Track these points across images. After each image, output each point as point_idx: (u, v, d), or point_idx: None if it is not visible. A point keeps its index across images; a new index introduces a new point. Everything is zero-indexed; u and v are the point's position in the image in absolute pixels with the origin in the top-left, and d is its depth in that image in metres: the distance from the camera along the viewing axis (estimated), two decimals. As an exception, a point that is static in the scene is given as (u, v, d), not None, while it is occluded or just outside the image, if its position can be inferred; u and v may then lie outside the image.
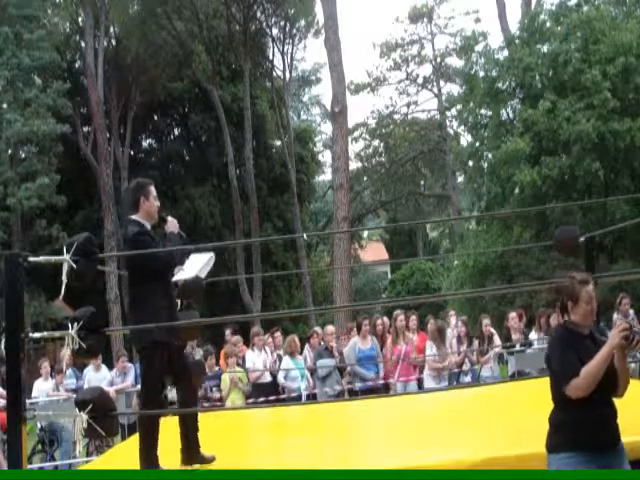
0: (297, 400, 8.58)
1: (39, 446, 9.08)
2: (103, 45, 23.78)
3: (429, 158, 32.09)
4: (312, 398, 8.81)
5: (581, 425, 3.18)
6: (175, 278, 4.59)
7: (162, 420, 6.75)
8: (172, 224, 4.54)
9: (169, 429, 6.29)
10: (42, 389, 9.19)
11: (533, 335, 9.53)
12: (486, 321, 9.34)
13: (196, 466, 4.40)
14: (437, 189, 34.46)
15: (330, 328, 9.77)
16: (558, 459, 3.21)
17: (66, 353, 3.94)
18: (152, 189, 4.53)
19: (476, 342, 9.28)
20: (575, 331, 3.32)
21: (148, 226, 4.46)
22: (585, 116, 14.49)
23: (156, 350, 4.28)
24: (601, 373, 3.13)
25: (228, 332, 9.95)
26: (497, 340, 9.32)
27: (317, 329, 10.36)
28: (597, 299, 3.33)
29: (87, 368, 9.38)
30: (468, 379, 9.05)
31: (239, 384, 8.48)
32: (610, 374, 3.16)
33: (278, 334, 9.73)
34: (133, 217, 4.44)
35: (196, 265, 4.76)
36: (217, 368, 8.78)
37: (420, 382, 8.97)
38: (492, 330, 9.27)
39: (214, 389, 8.52)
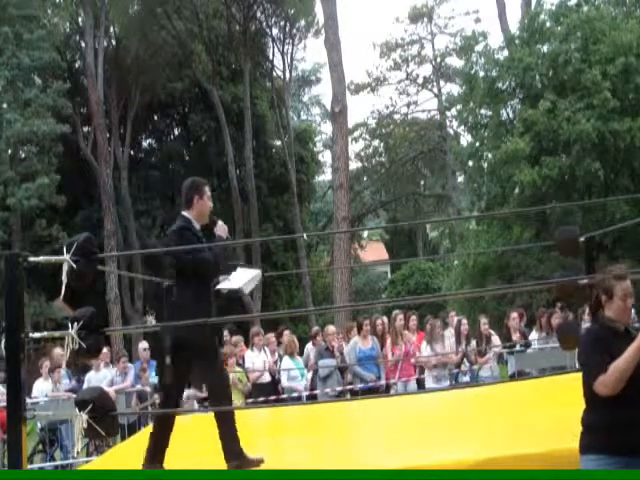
0: (297, 400, 8.58)
1: (39, 446, 9.08)
2: (103, 45, 23.78)
3: (429, 158, 32.09)
4: (312, 398, 8.81)
5: (611, 426, 3.05)
6: (220, 286, 4.57)
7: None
8: (221, 228, 4.52)
9: (174, 429, 6.30)
10: (42, 389, 9.19)
11: (533, 335, 9.54)
12: (484, 320, 9.35)
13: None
14: (437, 189, 34.45)
15: (331, 328, 9.78)
16: (587, 460, 3.11)
17: (63, 353, 3.94)
18: (207, 189, 4.53)
19: (474, 342, 9.29)
20: (609, 327, 3.21)
21: (197, 225, 4.45)
22: (585, 116, 14.50)
23: (193, 347, 4.24)
24: (629, 370, 3.01)
25: (226, 332, 9.94)
26: (496, 340, 9.33)
27: (317, 328, 10.36)
28: (632, 295, 3.23)
29: (93, 367, 9.35)
30: (467, 379, 9.05)
31: (238, 385, 8.48)
32: None
33: (287, 332, 9.66)
34: (184, 213, 4.45)
35: (243, 278, 4.76)
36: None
37: (420, 382, 8.97)
38: (490, 330, 9.28)
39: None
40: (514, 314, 9.70)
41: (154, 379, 8.67)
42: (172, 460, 4.51)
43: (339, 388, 8.83)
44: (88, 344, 3.86)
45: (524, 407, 5.34)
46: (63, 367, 9.72)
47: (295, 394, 8.74)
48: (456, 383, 8.95)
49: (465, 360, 9.17)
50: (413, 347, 9.16)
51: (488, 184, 16.81)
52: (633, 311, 9.51)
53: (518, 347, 9.22)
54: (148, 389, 8.85)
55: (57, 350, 9.13)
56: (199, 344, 4.25)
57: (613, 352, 3.06)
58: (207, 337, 4.24)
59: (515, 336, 9.37)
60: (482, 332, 9.20)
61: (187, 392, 7.96)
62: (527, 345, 9.29)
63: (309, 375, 9.19)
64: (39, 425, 9.00)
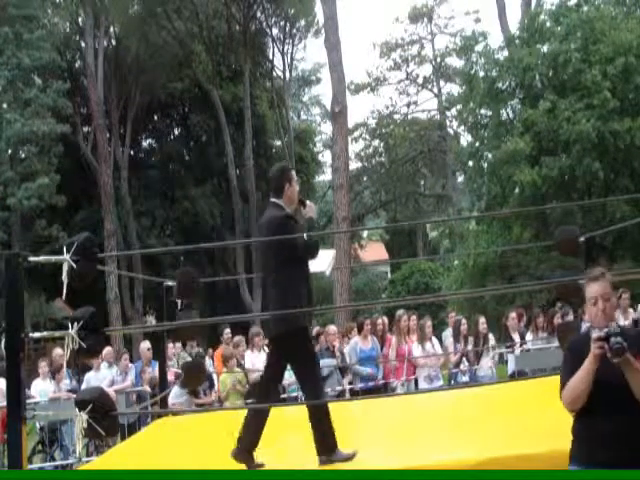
0: (296, 400, 8.57)
1: (39, 446, 9.08)
2: (103, 45, 23.79)
3: (429, 158, 32.08)
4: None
5: (581, 439, 3.03)
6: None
7: (168, 420, 6.77)
8: (311, 209, 4.50)
9: (172, 429, 6.30)
10: (41, 389, 9.17)
11: (529, 336, 9.54)
12: (482, 320, 9.35)
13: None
14: (437, 189, 34.44)
15: (332, 328, 9.77)
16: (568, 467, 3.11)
17: (64, 353, 3.93)
18: (294, 174, 4.58)
19: (471, 341, 9.29)
20: (589, 334, 3.03)
21: (290, 212, 4.47)
22: (585, 116, 14.50)
23: (298, 335, 4.25)
24: (581, 388, 2.91)
25: (227, 331, 9.93)
26: (491, 340, 9.33)
27: (318, 328, 10.36)
28: (606, 298, 3.04)
29: (100, 366, 9.33)
30: (466, 379, 9.05)
31: (238, 386, 8.47)
32: (615, 386, 2.86)
33: None
34: (276, 201, 4.47)
35: (325, 260, 4.77)
36: (211, 369, 8.78)
37: (415, 382, 8.97)
38: (485, 330, 9.28)
39: (206, 391, 8.52)
40: (512, 314, 9.70)
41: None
42: (172, 460, 4.51)
43: (339, 388, 8.83)
44: (88, 344, 3.86)
45: (524, 407, 5.34)
46: (64, 367, 9.73)
47: (294, 394, 8.73)
48: (455, 383, 8.95)
49: (464, 360, 9.17)
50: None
51: (488, 184, 16.80)
52: (633, 312, 9.39)
53: (518, 347, 9.23)
54: (148, 389, 8.85)
55: (57, 350, 9.12)
56: (281, 330, 4.27)
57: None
58: (292, 324, 4.24)
59: (514, 336, 9.37)
60: (479, 331, 9.21)
61: (181, 395, 7.96)
62: (521, 345, 9.29)
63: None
64: (38, 425, 8.98)
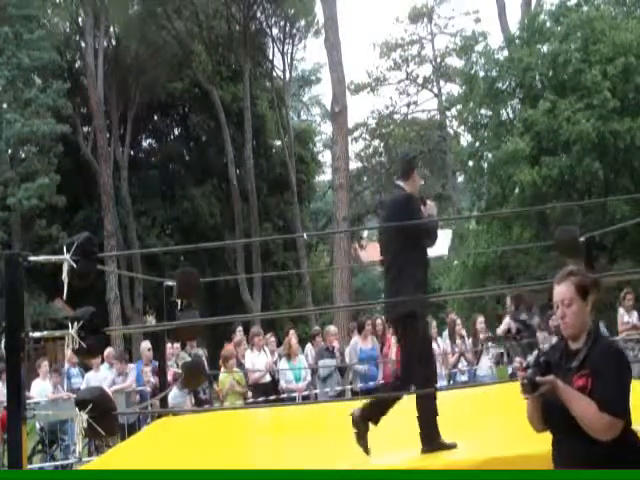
0: (295, 401, 8.58)
1: (39, 446, 9.08)
2: (103, 45, 23.77)
3: (429, 158, 32.07)
4: (313, 398, 8.81)
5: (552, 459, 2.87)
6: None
7: (168, 420, 6.76)
8: (432, 207, 4.54)
9: (172, 429, 6.30)
10: (41, 388, 9.18)
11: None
12: (480, 320, 9.35)
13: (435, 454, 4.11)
14: (437, 189, 34.44)
15: (332, 328, 9.78)
16: None
17: (69, 352, 3.93)
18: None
19: (469, 341, 9.30)
20: (565, 346, 2.77)
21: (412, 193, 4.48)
22: (585, 116, 14.50)
23: (416, 320, 4.20)
24: (530, 411, 2.75)
25: (240, 329, 9.90)
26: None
27: (317, 329, 10.37)
28: (567, 303, 2.71)
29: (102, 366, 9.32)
30: (465, 378, 9.05)
31: (236, 387, 8.46)
32: (561, 408, 2.59)
33: (292, 331, 9.64)
34: (401, 184, 4.47)
35: (444, 243, 4.77)
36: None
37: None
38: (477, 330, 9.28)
39: (207, 391, 8.53)
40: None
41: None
42: (172, 460, 4.52)
43: (339, 388, 8.84)
44: (88, 344, 3.87)
45: (524, 407, 5.33)
46: (67, 365, 9.74)
47: (294, 394, 8.74)
48: (454, 383, 8.95)
49: (463, 359, 9.17)
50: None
51: (488, 184, 16.80)
52: (636, 313, 9.36)
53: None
54: (148, 389, 8.85)
55: (68, 351, 9.10)
56: (399, 314, 4.24)
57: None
58: (408, 308, 4.21)
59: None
60: (477, 331, 9.21)
61: (179, 394, 7.96)
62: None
63: (309, 376, 9.17)
64: (38, 425, 8.99)
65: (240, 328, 9.92)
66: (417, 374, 4.29)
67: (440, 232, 4.72)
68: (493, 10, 33.63)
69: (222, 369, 8.61)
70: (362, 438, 4.14)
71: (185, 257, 23.69)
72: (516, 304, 9.20)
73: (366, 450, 4.11)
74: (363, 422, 4.17)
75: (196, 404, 8.41)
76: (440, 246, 4.77)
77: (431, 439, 4.15)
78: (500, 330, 8.95)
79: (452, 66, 29.83)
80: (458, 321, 9.66)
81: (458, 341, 9.43)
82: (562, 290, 2.75)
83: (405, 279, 4.20)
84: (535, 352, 2.69)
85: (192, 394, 8.19)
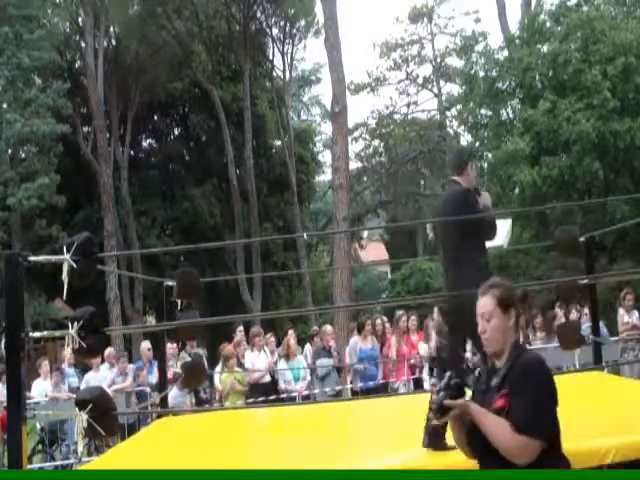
0: (294, 400, 8.58)
1: (39, 446, 9.08)
2: (103, 45, 23.77)
3: (429, 158, 32.07)
4: (311, 398, 8.81)
5: None
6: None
7: (168, 420, 6.76)
8: (486, 197, 4.56)
9: (172, 429, 6.30)
10: (41, 388, 9.18)
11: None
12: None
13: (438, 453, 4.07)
14: (437, 189, 34.44)
15: (328, 328, 9.77)
16: None
17: (67, 352, 3.93)
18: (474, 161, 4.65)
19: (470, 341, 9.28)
20: (492, 364, 2.65)
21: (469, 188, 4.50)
22: (585, 116, 14.51)
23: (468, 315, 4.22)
24: (456, 435, 2.62)
25: (240, 329, 9.89)
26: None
27: (315, 329, 10.37)
28: (487, 317, 2.58)
29: (102, 366, 9.34)
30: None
31: (237, 386, 8.46)
32: (475, 435, 2.50)
33: (291, 331, 9.64)
34: (456, 178, 4.49)
35: (502, 233, 4.78)
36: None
37: (419, 382, 8.97)
38: None
39: (207, 390, 8.53)
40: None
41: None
42: (172, 460, 4.51)
43: (338, 387, 8.84)
44: (88, 344, 3.87)
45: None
46: (65, 366, 9.74)
47: (294, 394, 8.74)
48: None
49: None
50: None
51: (488, 184, 16.81)
52: (637, 313, 9.31)
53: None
54: (148, 389, 8.85)
55: (66, 350, 9.10)
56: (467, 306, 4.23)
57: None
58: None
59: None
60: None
61: (179, 394, 7.96)
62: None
63: (308, 376, 9.18)
64: (38, 425, 8.99)
65: (241, 328, 9.91)
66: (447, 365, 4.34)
67: (498, 222, 4.74)
68: (493, 10, 33.65)
69: (223, 369, 8.61)
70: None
71: (185, 257, 23.69)
72: (443, 315, 9.12)
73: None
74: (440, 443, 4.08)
75: (197, 403, 8.41)
76: (498, 237, 4.76)
77: (436, 439, 4.12)
78: (431, 347, 8.62)
79: (452, 66, 29.83)
80: None
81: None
82: (483, 303, 2.63)
83: (467, 271, 4.20)
84: (447, 374, 2.56)
85: (192, 393, 8.19)
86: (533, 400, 2.39)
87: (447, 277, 4.47)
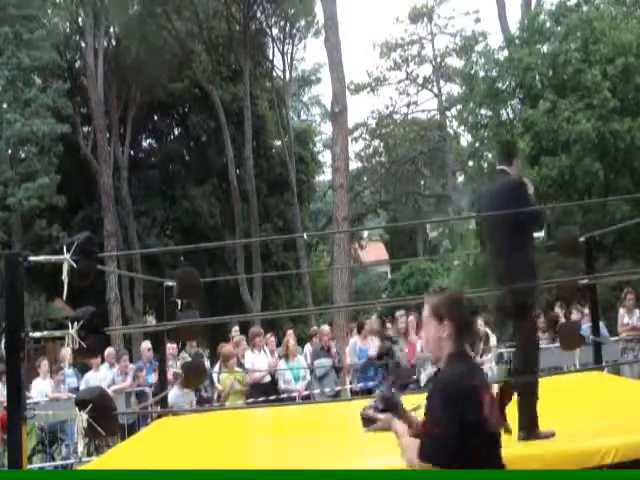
0: (294, 400, 8.58)
1: (39, 446, 9.08)
2: (103, 45, 23.78)
3: (429, 158, 32.10)
4: (311, 398, 8.81)
5: None
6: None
7: (168, 420, 6.76)
8: (530, 186, 4.53)
9: (172, 429, 6.30)
10: (41, 388, 9.17)
11: None
12: (479, 321, 9.35)
13: (534, 443, 4.03)
14: (437, 189, 34.46)
15: (326, 328, 9.77)
16: None
17: (67, 352, 3.93)
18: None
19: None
20: None
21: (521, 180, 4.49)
22: (585, 116, 14.50)
23: (529, 309, 4.21)
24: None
25: (236, 329, 9.90)
26: (493, 340, 9.34)
27: (314, 329, 10.37)
28: (423, 325, 2.59)
29: (102, 366, 9.33)
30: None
31: (238, 386, 8.46)
32: None
33: (290, 332, 9.64)
34: (506, 168, 4.46)
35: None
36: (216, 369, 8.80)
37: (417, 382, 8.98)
38: (488, 330, 9.28)
39: (208, 389, 8.53)
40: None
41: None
42: (172, 460, 4.51)
43: (338, 388, 8.83)
44: (88, 344, 3.87)
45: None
46: (66, 366, 9.73)
47: (294, 394, 8.74)
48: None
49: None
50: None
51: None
52: (638, 311, 9.25)
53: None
54: (147, 389, 8.84)
55: (64, 350, 9.10)
56: (521, 299, 4.20)
57: None
58: (528, 294, 4.20)
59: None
60: (478, 332, 9.20)
61: (180, 393, 7.95)
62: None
63: (308, 375, 9.18)
64: (37, 425, 8.97)
65: (236, 328, 9.91)
66: (520, 362, 4.31)
67: None
68: (493, 10, 33.66)
69: (223, 369, 8.61)
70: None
71: (185, 257, 23.69)
72: (381, 321, 9.13)
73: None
74: (535, 435, 4.07)
75: (198, 402, 8.42)
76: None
77: (530, 426, 4.11)
78: (372, 352, 8.65)
79: (452, 66, 29.85)
80: None
81: None
82: (424, 311, 2.60)
83: (518, 264, 4.19)
84: (386, 383, 2.63)
85: (194, 392, 8.18)
86: (432, 428, 2.36)
87: (496, 269, 4.37)
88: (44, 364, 9.31)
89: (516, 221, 4.22)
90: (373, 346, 8.69)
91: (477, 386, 2.41)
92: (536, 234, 4.65)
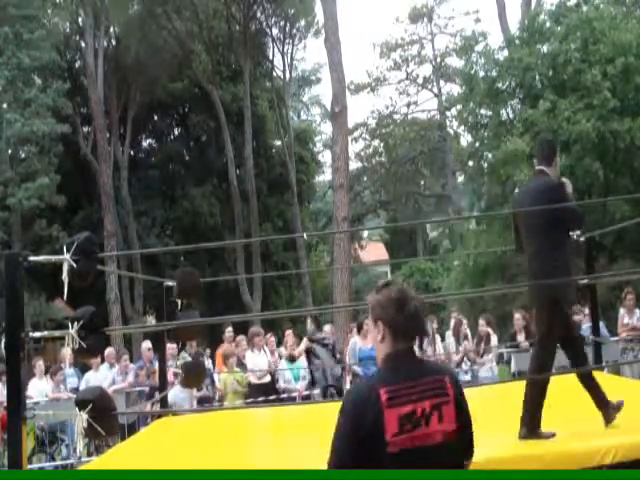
0: (294, 400, 8.58)
1: (40, 446, 9.07)
2: (103, 45, 23.79)
3: (429, 158, 32.09)
4: (311, 398, 8.80)
5: None
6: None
7: (168, 420, 6.76)
8: (569, 185, 4.55)
9: (172, 429, 6.30)
10: (38, 389, 9.15)
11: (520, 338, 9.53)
12: (482, 322, 9.36)
13: (531, 442, 4.06)
14: (437, 189, 34.46)
15: (327, 328, 9.77)
16: None
17: (67, 352, 3.93)
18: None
19: (472, 342, 9.30)
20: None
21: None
22: (585, 116, 14.50)
23: (557, 306, 4.20)
24: None
25: (229, 329, 9.90)
26: (495, 340, 9.34)
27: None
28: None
29: (102, 366, 9.33)
30: (467, 378, 9.07)
31: (237, 387, 8.45)
32: None
33: (289, 332, 9.64)
34: (545, 169, 4.46)
35: None
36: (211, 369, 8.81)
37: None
38: (489, 330, 9.28)
39: (209, 387, 8.54)
40: (517, 315, 9.67)
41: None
42: (172, 460, 4.51)
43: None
44: (88, 344, 3.87)
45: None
46: (67, 366, 9.73)
47: (294, 394, 8.74)
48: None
49: (465, 359, 9.19)
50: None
51: (488, 184, 16.80)
52: (638, 311, 9.26)
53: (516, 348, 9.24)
54: (147, 389, 8.84)
55: (65, 350, 9.10)
56: (554, 300, 4.20)
57: None
58: (557, 292, 4.20)
59: (520, 337, 9.37)
60: (479, 333, 9.22)
61: (181, 391, 7.96)
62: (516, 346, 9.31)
63: (308, 375, 9.17)
64: (37, 425, 8.97)
65: (230, 328, 9.90)
66: (535, 362, 4.31)
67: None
68: (493, 10, 33.71)
69: (223, 368, 8.61)
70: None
71: (185, 257, 23.70)
72: (316, 323, 9.11)
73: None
74: (535, 434, 4.10)
75: (199, 400, 8.43)
76: None
77: (533, 425, 4.12)
78: (297, 351, 8.67)
79: (452, 66, 29.85)
80: (465, 321, 9.67)
81: (465, 342, 9.45)
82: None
83: (553, 264, 4.21)
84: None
85: (195, 390, 8.19)
86: (334, 434, 2.25)
87: (534, 268, 4.36)
88: (39, 365, 9.29)
89: (557, 220, 4.25)
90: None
91: (376, 389, 2.19)
92: (573, 233, 4.67)
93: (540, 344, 4.31)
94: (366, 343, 9.04)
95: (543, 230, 4.28)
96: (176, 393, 7.75)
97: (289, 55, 27.55)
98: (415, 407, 2.19)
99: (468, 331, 9.78)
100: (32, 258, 4.06)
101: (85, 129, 24.76)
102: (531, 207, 4.34)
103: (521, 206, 4.49)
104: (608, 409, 4.24)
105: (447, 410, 2.25)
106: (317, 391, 8.84)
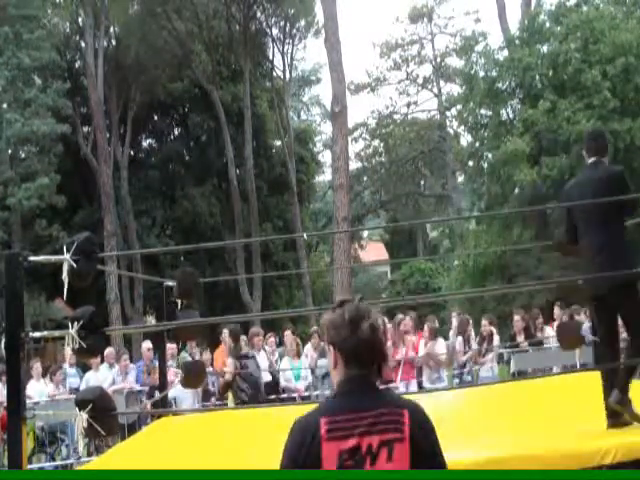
0: (294, 400, 8.58)
1: (39, 446, 9.07)
2: (103, 45, 23.77)
3: (429, 158, 32.10)
4: (312, 398, 8.81)
5: None
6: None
7: (168, 420, 6.75)
8: None
9: (172, 429, 6.30)
10: (36, 391, 9.14)
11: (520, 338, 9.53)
12: (484, 322, 9.37)
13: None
14: (437, 189, 34.46)
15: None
16: None
17: (68, 352, 3.93)
18: None
19: (475, 342, 9.31)
20: None
21: None
22: (585, 116, 14.51)
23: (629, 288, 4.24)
24: None
25: (226, 331, 9.89)
26: (497, 340, 9.34)
27: (315, 328, 10.36)
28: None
29: (102, 366, 9.33)
30: (468, 378, 9.07)
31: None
32: None
33: (288, 332, 9.64)
34: (603, 159, 4.45)
35: None
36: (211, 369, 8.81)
37: (419, 383, 8.98)
38: (492, 329, 9.28)
39: (215, 384, 8.55)
40: (517, 316, 9.68)
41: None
42: (172, 460, 4.51)
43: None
44: (88, 344, 3.86)
45: (523, 407, 5.33)
46: (67, 366, 9.73)
47: (294, 394, 8.75)
48: (460, 382, 8.97)
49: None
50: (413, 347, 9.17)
51: (488, 184, 16.80)
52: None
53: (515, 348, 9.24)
54: (147, 389, 8.84)
55: (67, 350, 9.09)
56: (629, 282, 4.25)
57: None
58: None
59: (520, 337, 9.38)
60: (483, 332, 9.22)
61: (184, 392, 7.96)
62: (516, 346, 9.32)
63: (309, 375, 9.18)
64: (38, 425, 8.97)
65: (226, 330, 9.88)
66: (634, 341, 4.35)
67: None
68: (493, 10, 33.70)
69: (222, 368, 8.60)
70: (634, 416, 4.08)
71: (185, 257, 23.70)
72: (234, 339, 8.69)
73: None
74: (624, 401, 4.08)
75: (204, 397, 8.43)
76: None
77: (622, 396, 4.11)
78: (227, 370, 8.14)
79: (452, 66, 29.87)
80: (471, 321, 9.69)
81: (471, 342, 9.46)
82: None
83: (621, 249, 4.24)
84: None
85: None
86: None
87: (595, 256, 4.33)
88: (36, 367, 9.27)
89: (622, 209, 4.28)
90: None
91: (317, 420, 1.98)
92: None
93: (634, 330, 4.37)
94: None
95: (611, 218, 4.27)
96: (178, 390, 7.74)
97: (289, 55, 27.57)
98: (360, 441, 1.95)
99: (472, 331, 9.79)
100: (32, 258, 4.06)
101: (85, 129, 24.75)
102: (598, 197, 4.29)
103: (581, 198, 4.45)
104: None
105: (399, 448, 1.97)
106: (317, 392, 8.85)
